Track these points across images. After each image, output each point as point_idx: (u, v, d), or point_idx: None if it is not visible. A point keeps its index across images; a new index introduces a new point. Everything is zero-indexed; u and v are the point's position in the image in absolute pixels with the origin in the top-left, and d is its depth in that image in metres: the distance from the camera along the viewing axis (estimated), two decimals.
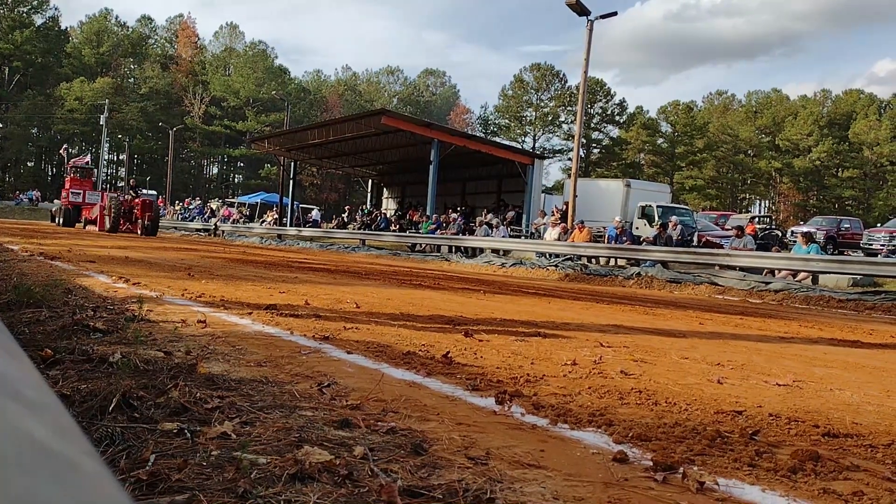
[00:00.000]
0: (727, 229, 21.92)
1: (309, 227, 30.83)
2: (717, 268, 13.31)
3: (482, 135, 62.11)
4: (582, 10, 18.41)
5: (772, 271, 13.01)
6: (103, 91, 59.99)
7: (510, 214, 24.26)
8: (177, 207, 44.16)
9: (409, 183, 32.50)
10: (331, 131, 27.20)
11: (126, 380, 2.12)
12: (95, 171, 32.71)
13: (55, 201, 54.12)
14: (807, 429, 2.26)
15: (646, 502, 1.50)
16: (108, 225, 23.72)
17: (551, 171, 72.38)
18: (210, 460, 1.56)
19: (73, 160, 33.94)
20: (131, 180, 28.00)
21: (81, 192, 29.51)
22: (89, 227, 26.29)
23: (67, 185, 30.05)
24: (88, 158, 36.84)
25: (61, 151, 42.10)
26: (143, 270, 7.34)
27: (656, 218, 20.01)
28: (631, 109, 70.69)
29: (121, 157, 65.06)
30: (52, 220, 32.47)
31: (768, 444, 2.04)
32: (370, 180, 36.34)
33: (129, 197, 24.90)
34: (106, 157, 57.82)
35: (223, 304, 4.68)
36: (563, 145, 70.07)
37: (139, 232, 23.52)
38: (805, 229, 19.68)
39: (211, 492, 1.38)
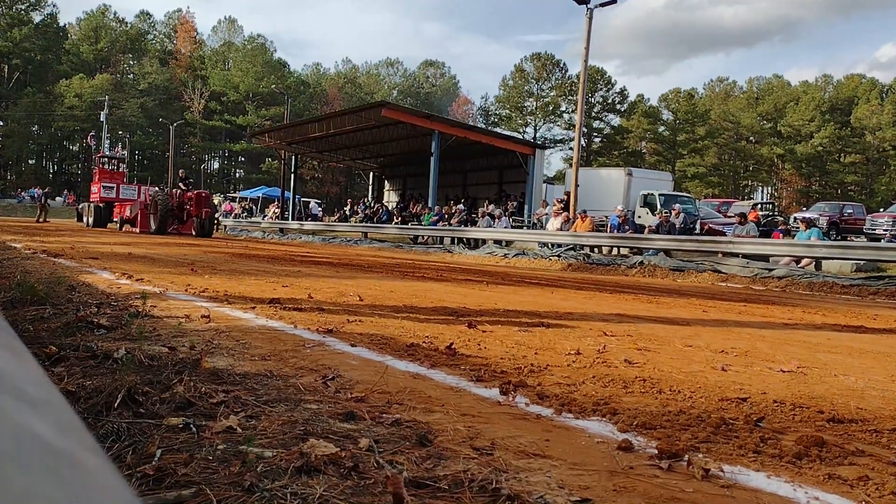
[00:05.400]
0: (729, 216, 21.88)
1: (310, 220, 30.82)
2: (719, 255, 13.29)
3: (483, 126, 61.97)
4: None
5: (766, 258, 12.98)
6: (103, 87, 59.97)
7: (512, 205, 24.25)
8: None
9: (411, 175, 32.47)
10: (331, 124, 27.17)
11: (131, 376, 2.13)
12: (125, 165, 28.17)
13: (56, 199, 54.08)
14: (811, 415, 2.26)
15: (651, 490, 1.50)
16: (152, 225, 20.11)
17: (553, 161, 72.44)
18: (216, 454, 1.56)
19: (101, 151, 30.03)
20: (181, 172, 23.91)
21: (114, 185, 25.29)
22: (126, 228, 22.44)
23: (96, 179, 25.86)
24: (120, 148, 31.46)
25: (88, 140, 39.26)
26: (146, 266, 7.35)
27: (658, 206, 19.98)
28: (632, 98, 70.51)
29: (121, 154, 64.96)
30: (79, 219, 28.11)
31: (773, 431, 2.04)
32: (371, 173, 36.32)
33: (179, 191, 20.88)
34: (107, 154, 57.57)
35: (226, 299, 4.68)
36: (564, 135, 69.97)
37: (193, 232, 19.89)
38: (807, 215, 19.65)
39: (217, 486, 1.38)
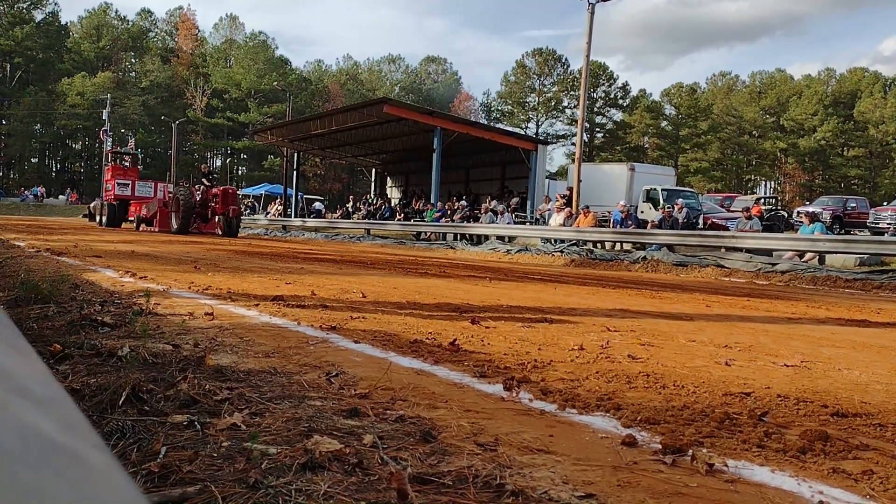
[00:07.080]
0: (733, 211, 21.85)
1: (313, 217, 30.82)
2: (723, 250, 13.27)
3: (485, 121, 61.95)
4: None
5: (769, 252, 12.94)
6: (105, 86, 60.01)
7: (514, 201, 24.23)
8: None
9: (413, 171, 32.46)
10: (333, 121, 27.14)
11: (135, 373, 2.13)
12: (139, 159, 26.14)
13: (60, 197, 54.14)
14: (815, 409, 2.26)
15: (655, 485, 1.50)
16: (174, 224, 18.78)
17: (555, 157, 72.39)
18: (220, 451, 1.57)
19: (112, 147, 28.10)
20: (202, 166, 22.37)
21: (129, 182, 23.53)
22: (143, 228, 21.20)
23: (109, 176, 24.01)
24: (132, 143, 29.36)
25: (101, 135, 37.40)
26: (150, 264, 7.37)
27: (661, 201, 19.95)
28: (634, 93, 70.41)
29: None
30: (91, 218, 26.54)
31: (777, 425, 2.03)
32: (374, 170, 36.32)
33: (202, 187, 19.62)
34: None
35: (230, 297, 4.69)
36: (567, 130, 69.94)
37: (218, 231, 18.80)
38: (810, 209, 19.62)
39: (222, 483, 1.38)
